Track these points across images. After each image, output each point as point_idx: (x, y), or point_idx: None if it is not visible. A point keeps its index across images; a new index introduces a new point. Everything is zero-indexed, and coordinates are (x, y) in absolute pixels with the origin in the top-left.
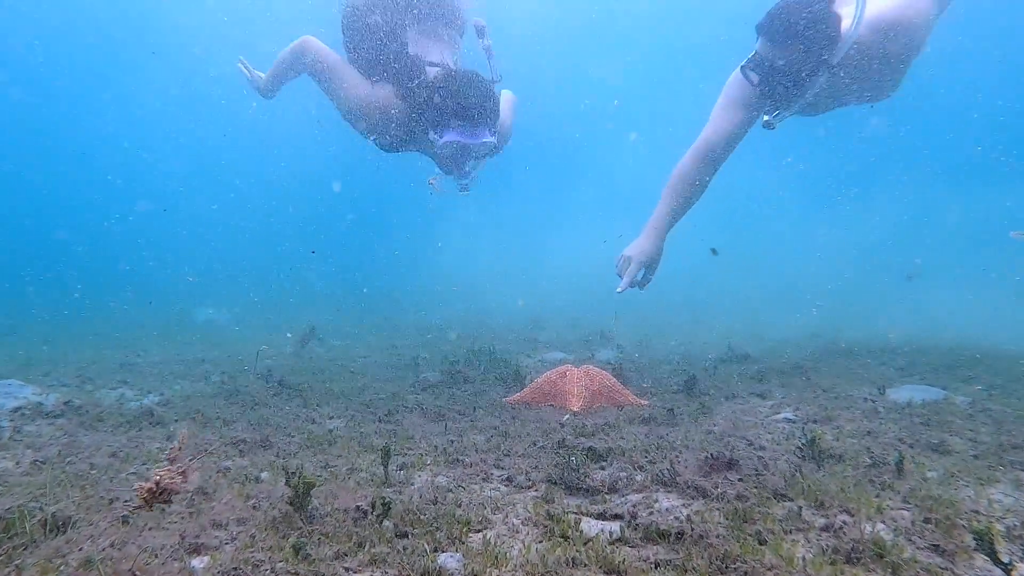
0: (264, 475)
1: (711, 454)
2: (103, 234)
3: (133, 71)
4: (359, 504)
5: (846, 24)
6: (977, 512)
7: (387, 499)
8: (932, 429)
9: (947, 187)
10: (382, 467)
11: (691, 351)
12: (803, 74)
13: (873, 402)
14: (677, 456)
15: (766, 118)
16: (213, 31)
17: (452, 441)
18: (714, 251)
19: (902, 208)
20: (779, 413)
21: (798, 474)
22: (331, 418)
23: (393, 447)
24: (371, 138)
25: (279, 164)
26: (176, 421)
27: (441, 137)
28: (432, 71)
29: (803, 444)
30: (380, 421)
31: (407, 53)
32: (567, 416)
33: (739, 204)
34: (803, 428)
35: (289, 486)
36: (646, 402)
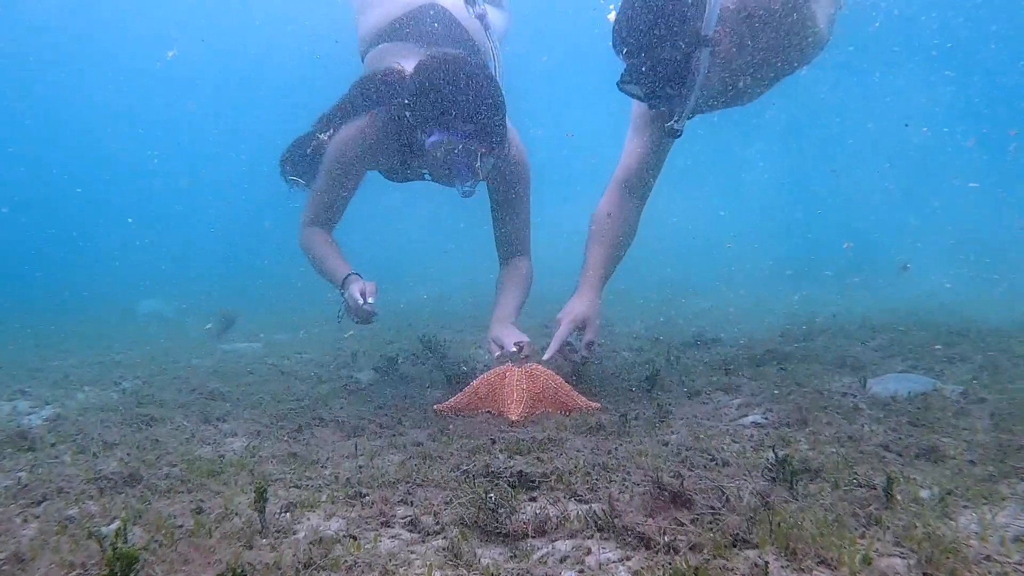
0: (113, 526)
1: (659, 484)
2: (41, 220)
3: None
4: None
5: None
6: (988, 558)
7: (241, 571)
8: (921, 430)
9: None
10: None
11: (660, 334)
12: (680, 62)
13: (854, 397)
14: (620, 489)
15: (669, 124)
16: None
17: (361, 467)
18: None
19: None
20: (747, 416)
21: (765, 510)
22: (232, 436)
23: (291, 476)
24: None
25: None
26: (52, 445)
27: (428, 137)
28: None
29: (772, 463)
30: (287, 439)
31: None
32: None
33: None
34: (774, 435)
35: (107, 558)
36: (597, 404)
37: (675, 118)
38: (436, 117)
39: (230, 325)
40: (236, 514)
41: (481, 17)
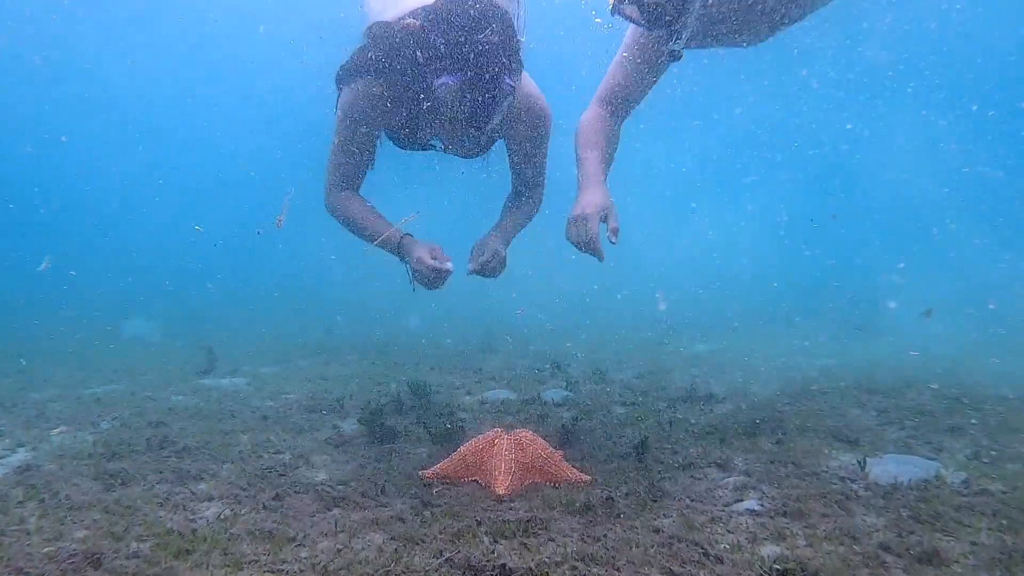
0: None
1: None
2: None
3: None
4: None
5: None
6: None
7: None
8: (923, 526)
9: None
10: None
11: (651, 384)
12: None
13: (852, 483)
14: None
15: (670, 46)
16: None
17: (340, 550)
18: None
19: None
20: (742, 501)
21: None
22: (207, 500)
23: (265, 558)
24: (384, 132)
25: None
26: (20, 503)
27: (436, 79)
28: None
29: (769, 571)
30: (264, 508)
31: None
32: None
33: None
34: (770, 525)
35: None
36: (587, 477)
37: (674, 39)
38: (445, 57)
39: (213, 362)
40: None
41: None
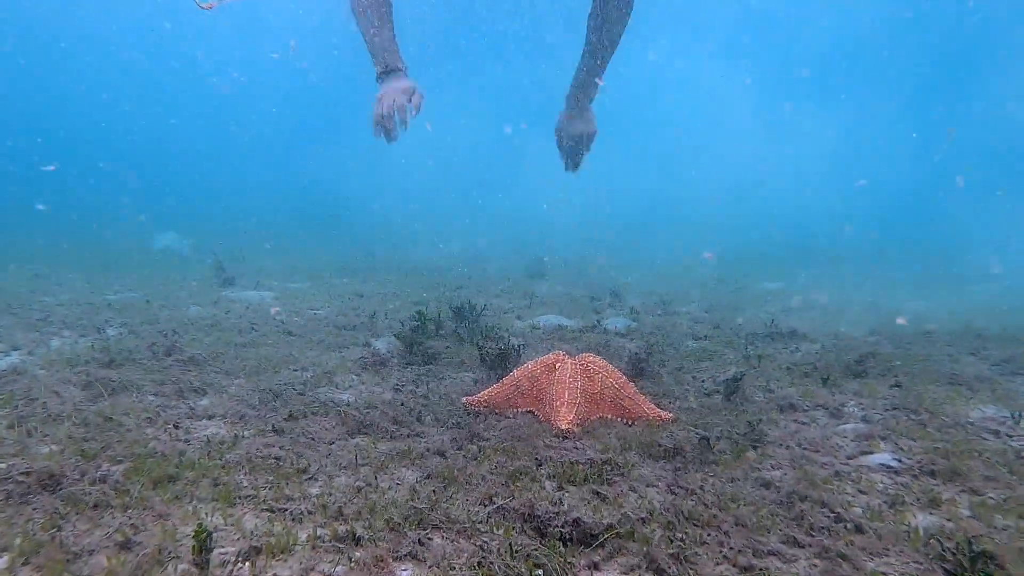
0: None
1: None
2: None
3: None
4: None
5: None
6: None
7: None
8: None
9: None
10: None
11: (720, 318)
12: None
13: (1010, 439)
14: (718, 560)
15: None
16: None
17: (360, 488)
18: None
19: None
20: (871, 453)
21: None
22: (206, 419)
23: (266, 492)
24: None
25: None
26: None
27: None
28: None
29: (947, 553)
30: (272, 431)
31: None
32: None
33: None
34: (915, 488)
35: None
36: (669, 415)
37: None
38: None
39: (222, 274)
40: (174, 558)
41: None
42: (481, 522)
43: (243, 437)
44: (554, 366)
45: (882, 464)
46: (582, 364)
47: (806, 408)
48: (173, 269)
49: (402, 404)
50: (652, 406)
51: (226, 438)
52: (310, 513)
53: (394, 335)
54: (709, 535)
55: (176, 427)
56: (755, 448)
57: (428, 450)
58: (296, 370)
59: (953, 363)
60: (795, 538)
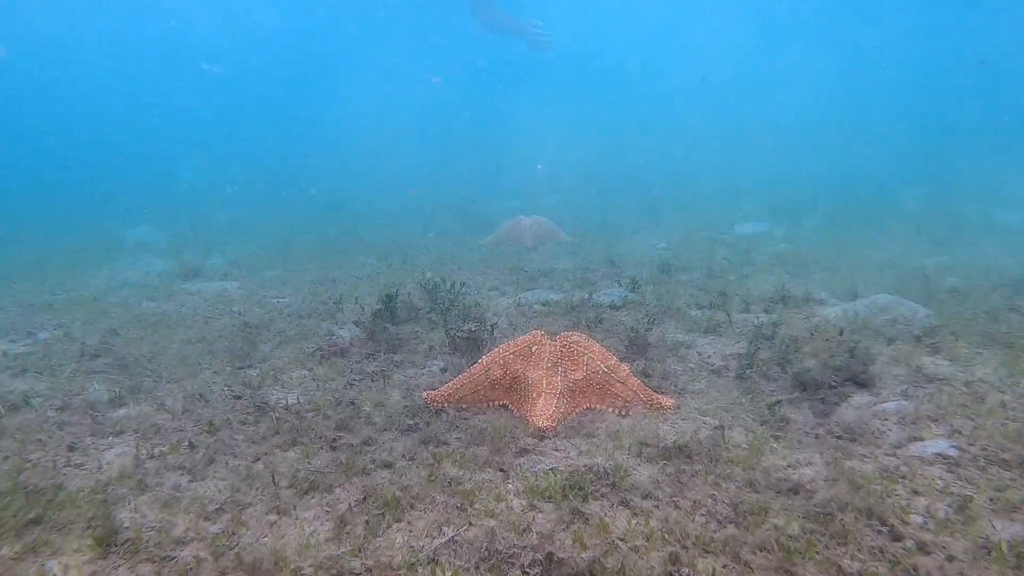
0: None
1: None
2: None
3: None
4: None
5: None
6: None
7: None
8: None
9: None
10: None
11: (726, 285)
12: None
13: None
14: None
15: None
16: None
17: (273, 523)
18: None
19: None
20: (921, 440)
21: None
22: (116, 435)
23: (153, 536)
24: None
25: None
26: None
27: None
28: None
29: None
30: (188, 446)
31: None
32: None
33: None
34: (984, 484)
35: None
36: (669, 401)
37: None
38: None
39: (186, 265)
40: None
41: None
42: (421, 565)
43: (144, 460)
44: (530, 348)
45: (938, 454)
46: (564, 345)
47: (833, 384)
48: (141, 264)
49: (351, 404)
50: (649, 391)
51: (126, 461)
52: (200, 563)
53: (353, 323)
54: (725, 568)
55: (71, 449)
56: (776, 439)
57: (373, 462)
58: (241, 368)
59: (993, 321)
60: (839, 567)
